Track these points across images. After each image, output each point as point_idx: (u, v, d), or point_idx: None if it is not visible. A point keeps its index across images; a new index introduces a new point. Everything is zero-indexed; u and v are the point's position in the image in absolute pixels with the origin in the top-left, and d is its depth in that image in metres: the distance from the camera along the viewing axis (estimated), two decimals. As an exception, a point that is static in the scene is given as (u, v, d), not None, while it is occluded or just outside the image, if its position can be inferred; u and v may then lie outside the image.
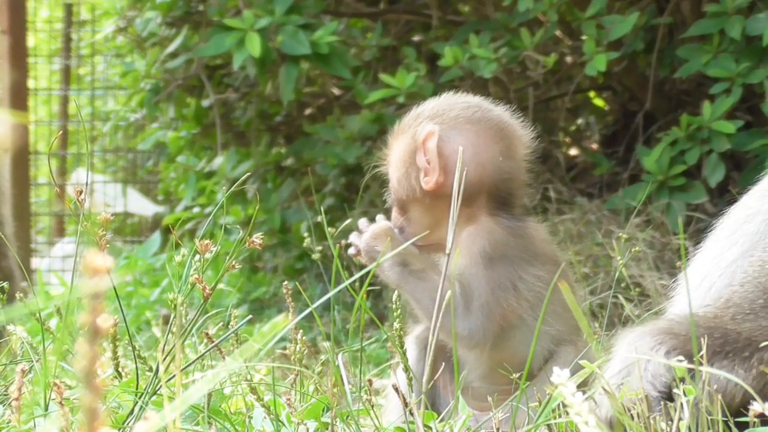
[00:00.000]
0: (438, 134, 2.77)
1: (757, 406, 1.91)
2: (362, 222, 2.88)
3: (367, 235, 2.81)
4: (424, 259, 2.79)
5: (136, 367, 2.49)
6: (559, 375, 1.64)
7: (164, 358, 2.27)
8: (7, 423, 2.21)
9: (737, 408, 2.09)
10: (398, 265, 2.76)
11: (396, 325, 2.51)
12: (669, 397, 2.09)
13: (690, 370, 2.06)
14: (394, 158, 2.87)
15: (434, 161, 2.77)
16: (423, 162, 2.79)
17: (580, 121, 6.70)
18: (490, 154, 2.80)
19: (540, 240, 2.83)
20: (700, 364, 2.05)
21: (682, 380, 2.02)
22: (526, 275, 2.72)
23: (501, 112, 2.87)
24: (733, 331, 2.18)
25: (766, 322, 2.19)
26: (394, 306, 2.56)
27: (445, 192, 2.74)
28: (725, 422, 2.05)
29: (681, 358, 2.09)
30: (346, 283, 2.25)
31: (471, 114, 2.82)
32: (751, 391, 2.04)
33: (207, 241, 2.35)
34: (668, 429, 2.02)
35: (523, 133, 2.86)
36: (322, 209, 3.32)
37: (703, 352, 2.05)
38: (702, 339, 2.09)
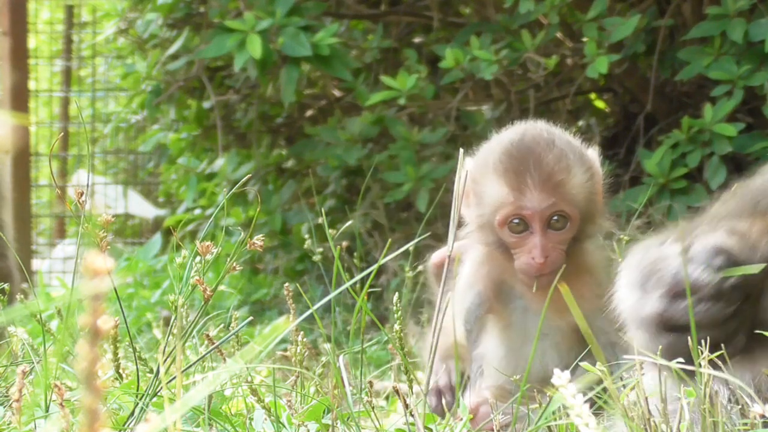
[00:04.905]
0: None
1: (757, 408, 1.90)
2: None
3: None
4: None
5: (137, 369, 2.49)
6: (560, 377, 1.63)
7: (165, 360, 2.27)
8: (8, 424, 2.21)
9: None
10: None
11: (397, 326, 2.51)
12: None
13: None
14: (586, 192, 2.79)
15: (601, 182, 2.85)
16: (598, 186, 2.84)
17: (581, 123, 6.70)
18: None
19: None
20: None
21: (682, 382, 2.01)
22: None
23: None
24: None
25: None
26: (395, 308, 2.56)
27: None
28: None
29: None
30: (347, 284, 2.25)
31: None
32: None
33: (208, 243, 2.35)
34: (668, 430, 2.01)
35: None
36: (323, 211, 3.32)
37: (706, 354, 2.04)
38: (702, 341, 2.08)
